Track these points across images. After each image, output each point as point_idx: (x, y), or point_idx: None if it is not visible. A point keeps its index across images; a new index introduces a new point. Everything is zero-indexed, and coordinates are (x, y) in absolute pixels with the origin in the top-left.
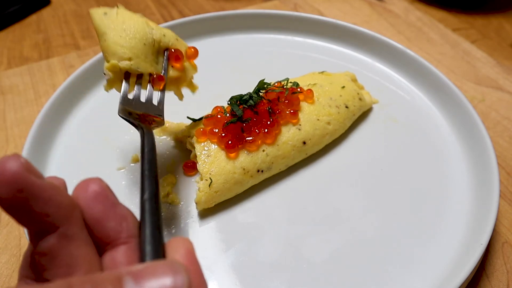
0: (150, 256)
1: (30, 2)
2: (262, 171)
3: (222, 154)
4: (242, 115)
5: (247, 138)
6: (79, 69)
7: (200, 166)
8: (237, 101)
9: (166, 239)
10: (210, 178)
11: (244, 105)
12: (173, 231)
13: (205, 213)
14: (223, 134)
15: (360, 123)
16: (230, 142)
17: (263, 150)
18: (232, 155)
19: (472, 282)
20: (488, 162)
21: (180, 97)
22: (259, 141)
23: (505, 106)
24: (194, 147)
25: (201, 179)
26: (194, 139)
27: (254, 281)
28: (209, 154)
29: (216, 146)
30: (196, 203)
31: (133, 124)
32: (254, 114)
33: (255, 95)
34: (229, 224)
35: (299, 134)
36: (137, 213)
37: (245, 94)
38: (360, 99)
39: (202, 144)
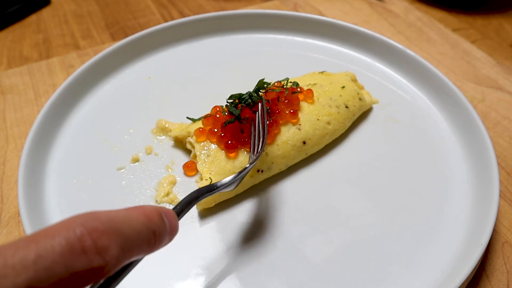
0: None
1: (30, 2)
2: (262, 171)
3: (222, 154)
4: (239, 114)
5: (246, 139)
6: (79, 69)
7: (200, 166)
8: (235, 99)
9: None
10: (210, 178)
11: (243, 104)
12: None
13: (205, 213)
14: (222, 134)
15: (360, 123)
16: (229, 142)
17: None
18: (232, 155)
19: (472, 282)
20: (488, 162)
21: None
22: None
23: (505, 106)
24: (194, 147)
25: (201, 179)
26: (193, 139)
27: (254, 281)
28: (208, 154)
29: (215, 146)
30: (197, 204)
31: None
32: (253, 114)
33: (255, 94)
34: (229, 224)
35: (299, 134)
36: None
37: (244, 94)
38: (360, 99)
39: (202, 144)
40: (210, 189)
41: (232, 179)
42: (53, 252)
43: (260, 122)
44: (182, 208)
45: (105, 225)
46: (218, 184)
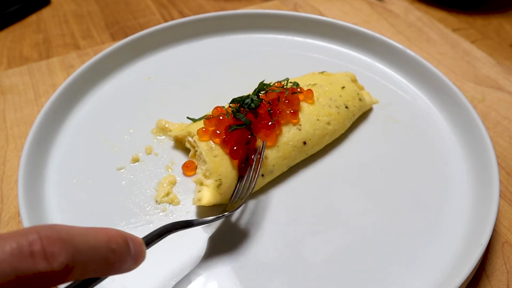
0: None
1: (30, 2)
2: (262, 175)
3: (227, 158)
4: (250, 123)
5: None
6: (79, 69)
7: (209, 164)
8: (238, 103)
9: (166, 238)
10: (220, 179)
11: (246, 109)
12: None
13: (205, 213)
14: (226, 138)
15: (360, 123)
16: (235, 148)
17: None
18: (235, 161)
19: (472, 282)
20: (488, 162)
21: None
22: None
23: (505, 106)
24: (193, 146)
25: (205, 177)
26: (195, 138)
27: (254, 281)
28: (215, 155)
29: (220, 148)
30: (198, 200)
31: None
32: (255, 119)
33: (256, 98)
34: (229, 224)
35: (299, 134)
36: (139, 211)
37: (246, 98)
38: (360, 99)
39: (206, 143)
40: (186, 224)
41: (211, 220)
42: (2, 252)
43: (252, 173)
44: (152, 239)
45: (59, 235)
46: (195, 222)
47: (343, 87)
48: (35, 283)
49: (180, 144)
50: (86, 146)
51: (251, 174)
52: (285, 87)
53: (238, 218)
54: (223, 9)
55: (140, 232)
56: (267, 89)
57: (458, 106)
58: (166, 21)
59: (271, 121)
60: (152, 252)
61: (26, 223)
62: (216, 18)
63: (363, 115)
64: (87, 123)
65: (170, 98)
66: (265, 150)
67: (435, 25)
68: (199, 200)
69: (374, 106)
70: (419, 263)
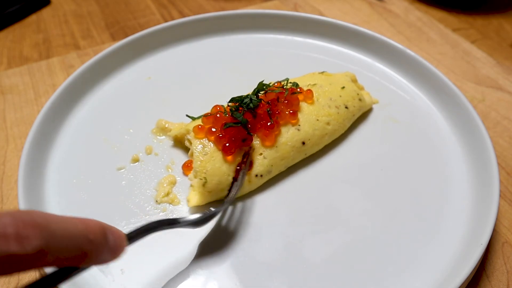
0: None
1: (30, 2)
2: (261, 175)
3: (219, 154)
4: (246, 123)
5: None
6: (79, 69)
7: (195, 163)
8: (237, 102)
9: (166, 238)
10: (205, 177)
11: (245, 109)
12: (173, 230)
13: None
14: (220, 135)
15: (360, 123)
16: (227, 144)
17: (260, 154)
18: (229, 158)
19: (472, 282)
20: (488, 162)
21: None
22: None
23: (505, 106)
24: (191, 143)
25: (195, 176)
26: (191, 135)
27: (254, 281)
28: (205, 152)
29: (213, 145)
30: (188, 201)
31: None
32: (253, 119)
33: (255, 98)
34: (229, 224)
35: (298, 134)
36: (139, 211)
37: (245, 97)
38: (360, 99)
39: (200, 140)
40: (172, 222)
41: (198, 219)
42: None
43: (240, 178)
44: (136, 234)
45: (34, 219)
46: (181, 220)
47: (343, 87)
48: (7, 265)
49: (180, 144)
50: (86, 146)
51: (238, 178)
52: (284, 87)
53: (238, 218)
54: (223, 9)
55: None
56: (266, 89)
57: (458, 106)
58: (166, 21)
59: (270, 122)
60: (152, 252)
61: None
62: (216, 18)
63: (363, 115)
64: (87, 123)
65: (170, 98)
66: (264, 150)
67: (435, 25)
68: (188, 201)
69: (374, 106)
70: (419, 263)
